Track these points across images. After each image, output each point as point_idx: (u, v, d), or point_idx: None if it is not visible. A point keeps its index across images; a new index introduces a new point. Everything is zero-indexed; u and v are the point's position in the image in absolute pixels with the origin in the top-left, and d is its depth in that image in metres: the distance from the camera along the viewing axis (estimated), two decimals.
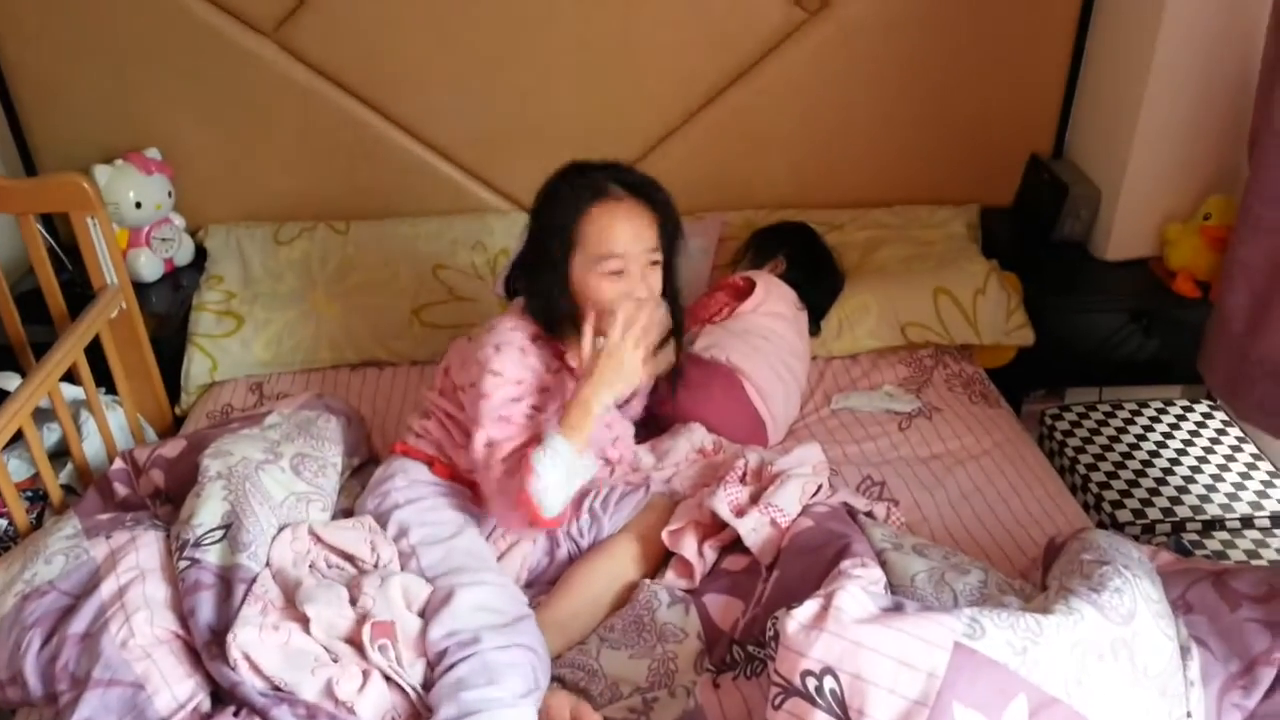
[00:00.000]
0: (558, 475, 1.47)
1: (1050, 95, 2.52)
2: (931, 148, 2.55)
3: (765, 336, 2.05)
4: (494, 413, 1.55)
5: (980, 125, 2.53)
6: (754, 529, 1.58)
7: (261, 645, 1.34)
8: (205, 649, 1.36)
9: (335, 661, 1.37)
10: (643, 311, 1.53)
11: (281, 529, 1.53)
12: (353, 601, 1.43)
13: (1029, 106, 2.53)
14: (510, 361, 1.58)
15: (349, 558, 1.55)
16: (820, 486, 1.69)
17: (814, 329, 2.23)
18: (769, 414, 1.98)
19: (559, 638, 1.52)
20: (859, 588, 1.26)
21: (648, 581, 1.59)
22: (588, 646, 1.51)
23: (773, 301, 2.11)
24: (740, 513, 1.60)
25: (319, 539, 1.55)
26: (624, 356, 1.51)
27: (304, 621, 1.39)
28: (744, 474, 1.71)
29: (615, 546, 1.65)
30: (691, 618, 1.52)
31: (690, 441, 1.88)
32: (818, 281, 2.25)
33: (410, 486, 1.65)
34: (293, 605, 1.41)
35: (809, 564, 1.47)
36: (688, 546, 1.62)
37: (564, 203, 1.61)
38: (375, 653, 1.36)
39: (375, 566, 1.53)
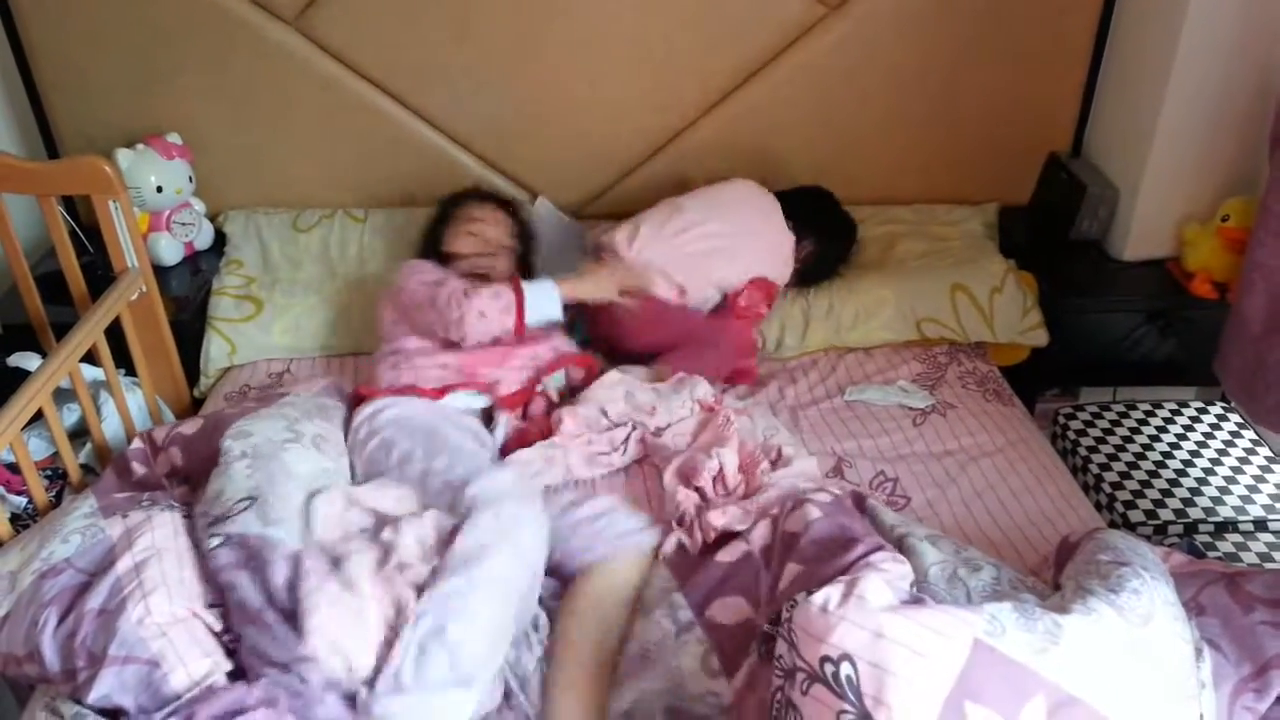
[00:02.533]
0: (541, 290, 1.97)
1: (1070, 94, 2.51)
2: (950, 145, 2.54)
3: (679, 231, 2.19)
4: (429, 283, 1.99)
5: (999, 123, 2.52)
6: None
7: (338, 621, 1.36)
8: (244, 626, 1.37)
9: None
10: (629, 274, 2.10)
11: (312, 498, 1.54)
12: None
13: (1048, 105, 2.52)
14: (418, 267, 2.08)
15: (381, 516, 1.56)
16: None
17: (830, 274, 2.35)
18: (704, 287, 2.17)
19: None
20: (883, 579, 1.27)
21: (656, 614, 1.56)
22: None
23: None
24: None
25: (353, 501, 1.56)
26: (606, 281, 2.05)
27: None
28: (732, 484, 1.74)
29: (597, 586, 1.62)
30: (695, 633, 1.49)
31: (692, 393, 1.96)
32: (838, 245, 2.37)
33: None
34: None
35: (828, 554, 1.46)
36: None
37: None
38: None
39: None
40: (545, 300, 1.98)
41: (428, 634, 1.35)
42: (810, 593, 1.25)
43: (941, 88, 2.47)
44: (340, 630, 1.35)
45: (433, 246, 2.19)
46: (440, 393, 1.92)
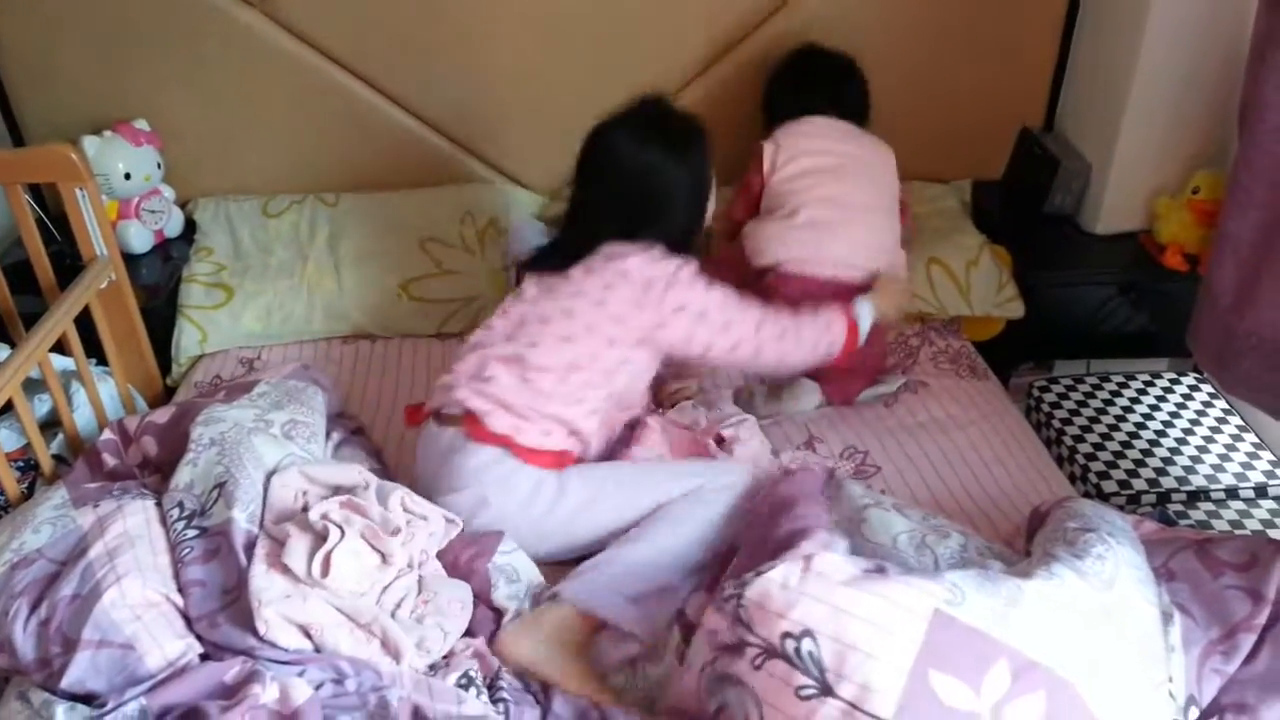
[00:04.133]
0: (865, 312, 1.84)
1: (1041, 68, 2.51)
2: (923, 121, 2.54)
3: (795, 192, 2.06)
4: (731, 304, 1.69)
5: (971, 99, 2.53)
6: None
7: (289, 606, 1.37)
8: (210, 617, 1.38)
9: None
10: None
11: (269, 477, 1.54)
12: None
13: (1020, 80, 2.53)
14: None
15: (339, 490, 1.56)
16: None
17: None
18: (844, 261, 1.99)
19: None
20: (839, 552, 1.28)
21: None
22: None
23: (790, 150, 2.10)
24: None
25: (310, 479, 1.56)
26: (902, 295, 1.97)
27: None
28: None
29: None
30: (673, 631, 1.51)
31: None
32: (836, 89, 2.21)
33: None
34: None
35: (763, 538, 1.47)
36: None
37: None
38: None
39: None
40: (866, 322, 1.85)
41: None
42: (762, 571, 1.25)
43: (914, 64, 2.46)
44: (291, 613, 1.36)
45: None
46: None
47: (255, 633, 1.34)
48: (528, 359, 1.64)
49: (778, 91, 2.28)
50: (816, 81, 2.22)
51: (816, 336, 1.76)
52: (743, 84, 2.43)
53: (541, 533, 1.64)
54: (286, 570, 1.40)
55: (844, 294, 1.91)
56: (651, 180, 1.69)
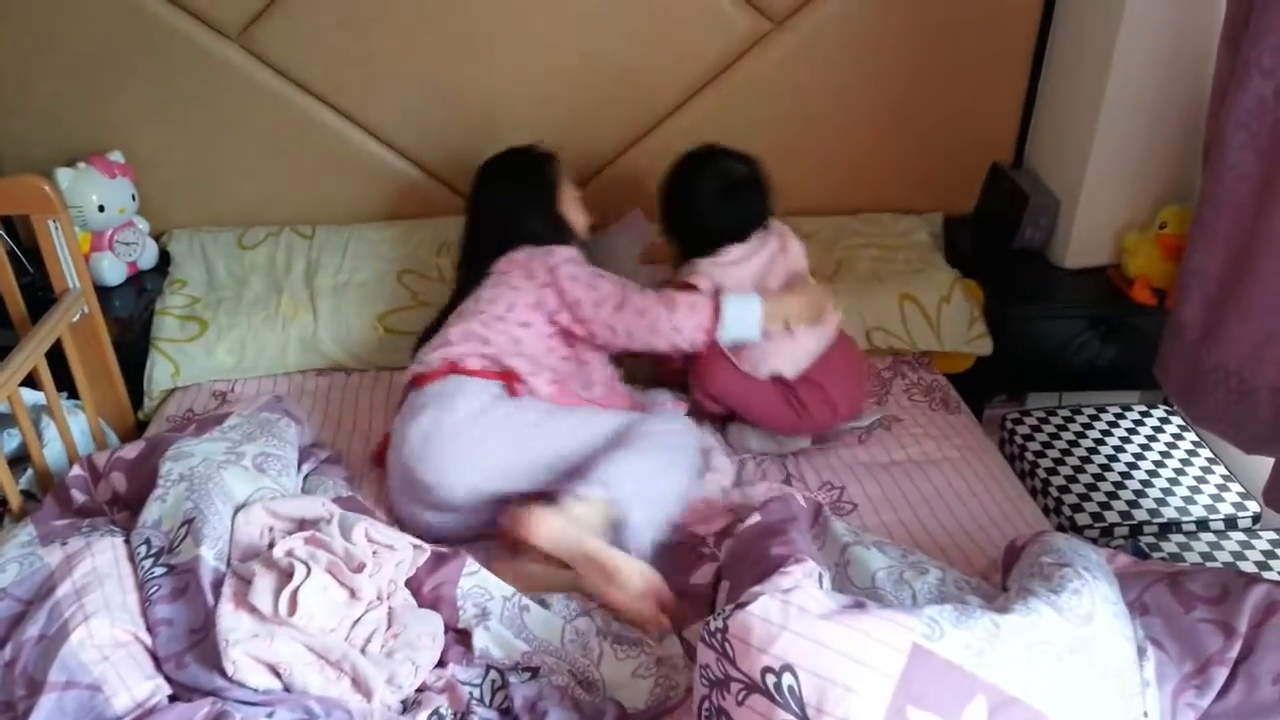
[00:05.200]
0: (741, 307, 1.89)
1: (1011, 105, 2.56)
2: (895, 156, 2.58)
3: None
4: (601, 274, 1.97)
5: (943, 134, 2.56)
6: None
7: (257, 646, 1.35)
8: (177, 657, 1.36)
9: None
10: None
11: (235, 513, 1.53)
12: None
13: (990, 116, 2.57)
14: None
15: (304, 524, 1.55)
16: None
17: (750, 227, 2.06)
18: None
19: None
20: (817, 588, 1.28)
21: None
22: (590, 644, 1.51)
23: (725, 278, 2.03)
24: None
25: (274, 514, 1.55)
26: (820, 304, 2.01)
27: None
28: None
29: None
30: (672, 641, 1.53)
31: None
32: (709, 225, 2.04)
33: None
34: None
35: (754, 560, 1.48)
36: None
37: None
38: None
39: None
40: (746, 318, 1.90)
41: None
42: (744, 604, 1.25)
43: (886, 99, 2.50)
44: (259, 652, 1.36)
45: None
46: None
47: (223, 673, 1.32)
48: (465, 322, 1.93)
49: (682, 213, 2.09)
50: (730, 202, 2.05)
51: (675, 320, 1.88)
52: (723, 114, 2.45)
53: (492, 448, 1.75)
54: (253, 609, 1.39)
55: None
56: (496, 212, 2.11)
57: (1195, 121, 2.21)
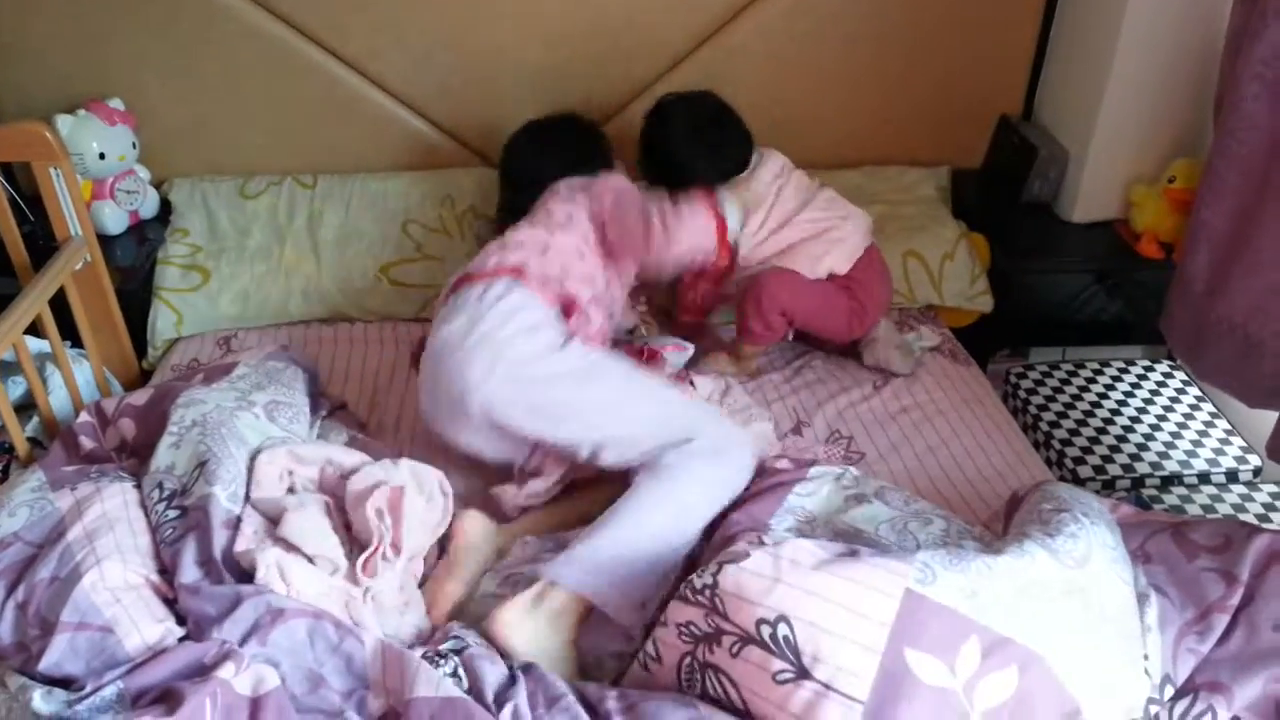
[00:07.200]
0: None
1: (1020, 57, 2.52)
2: (902, 109, 2.55)
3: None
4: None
5: (951, 86, 2.53)
6: None
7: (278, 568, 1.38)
8: (190, 589, 1.36)
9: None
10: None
11: (254, 457, 1.53)
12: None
13: (999, 68, 2.54)
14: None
15: (328, 467, 1.56)
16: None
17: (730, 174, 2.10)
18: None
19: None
20: (807, 541, 1.30)
21: None
22: None
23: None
24: None
25: (298, 459, 1.55)
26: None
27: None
28: None
29: None
30: None
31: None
32: (684, 164, 2.07)
33: None
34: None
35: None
36: None
37: None
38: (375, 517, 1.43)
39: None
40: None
41: None
42: (732, 561, 1.27)
43: (894, 51, 2.47)
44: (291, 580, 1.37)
45: None
46: None
47: (244, 582, 1.35)
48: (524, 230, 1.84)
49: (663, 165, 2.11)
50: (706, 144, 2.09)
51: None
52: (729, 65, 2.42)
53: (518, 377, 1.60)
54: (279, 542, 1.40)
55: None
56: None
57: (1208, 73, 2.18)
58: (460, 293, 1.73)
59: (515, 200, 2.00)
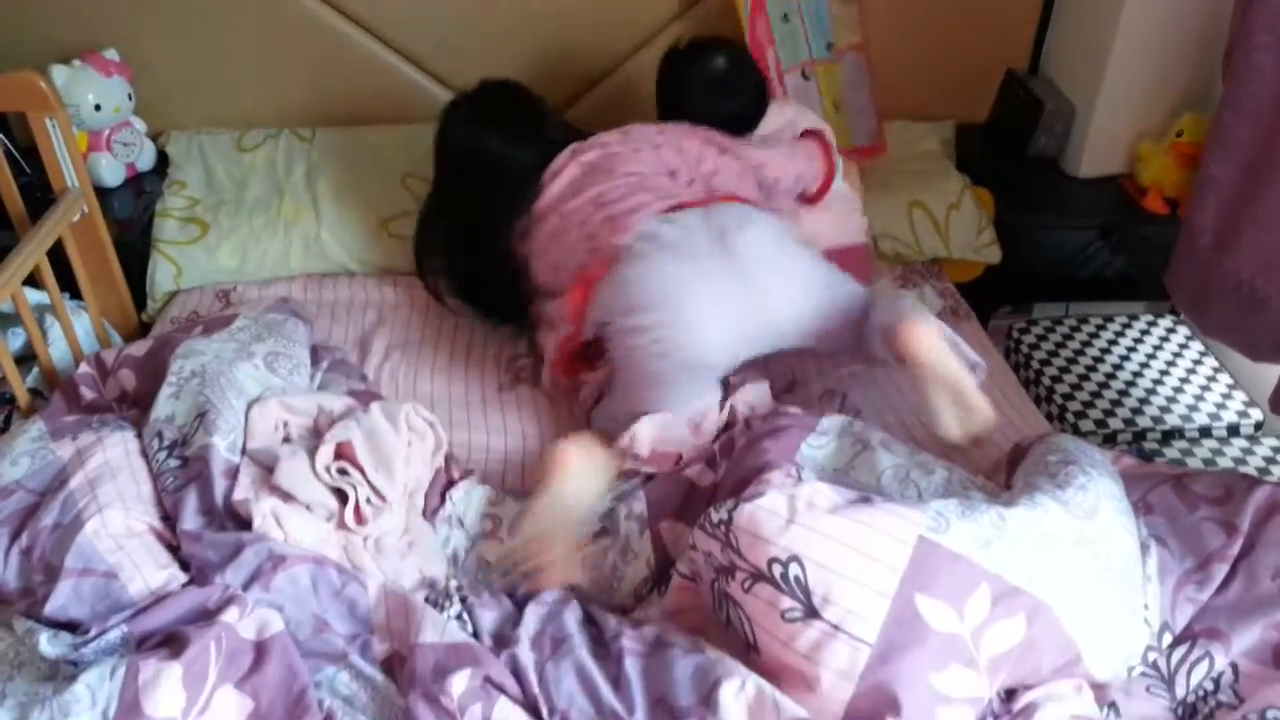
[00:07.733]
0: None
1: (1028, 10, 2.49)
2: (907, 62, 2.52)
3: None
4: None
5: (957, 40, 2.50)
6: None
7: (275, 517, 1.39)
8: (192, 535, 1.37)
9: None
10: None
11: (249, 409, 1.53)
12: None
13: (1006, 21, 2.51)
14: None
15: (320, 416, 1.56)
16: None
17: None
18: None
19: None
20: (823, 484, 1.30)
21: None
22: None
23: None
24: None
25: (290, 409, 1.55)
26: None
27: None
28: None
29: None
30: (645, 541, 1.50)
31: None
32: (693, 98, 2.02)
33: None
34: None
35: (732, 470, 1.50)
36: None
37: None
38: (330, 475, 1.43)
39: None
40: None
41: None
42: (750, 498, 1.27)
43: (900, 4, 2.44)
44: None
45: None
46: None
47: (243, 530, 1.36)
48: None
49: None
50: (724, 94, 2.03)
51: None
52: (729, 18, 2.39)
53: (789, 270, 1.66)
54: (274, 491, 1.40)
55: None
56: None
57: (1215, 26, 2.16)
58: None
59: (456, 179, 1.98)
